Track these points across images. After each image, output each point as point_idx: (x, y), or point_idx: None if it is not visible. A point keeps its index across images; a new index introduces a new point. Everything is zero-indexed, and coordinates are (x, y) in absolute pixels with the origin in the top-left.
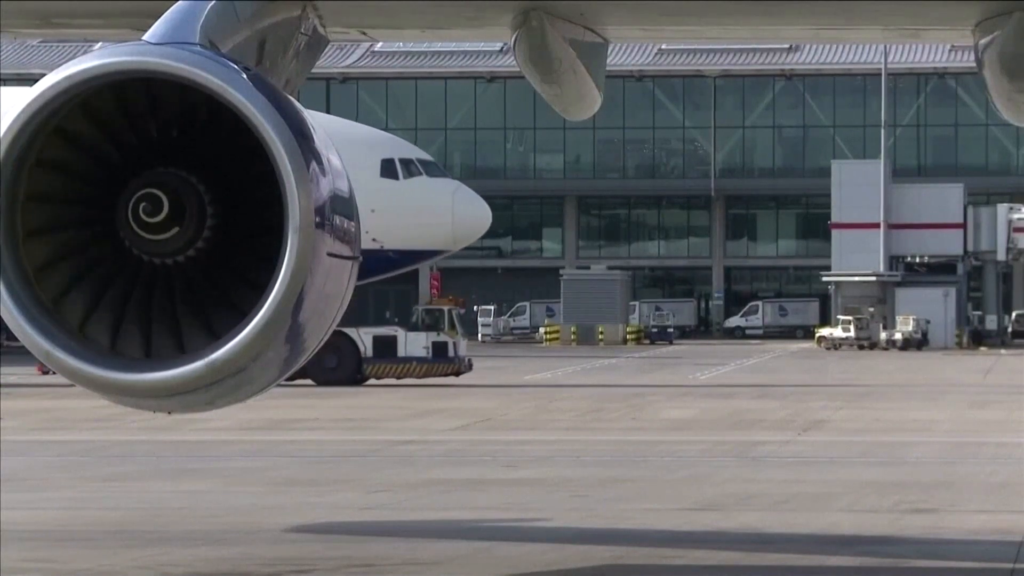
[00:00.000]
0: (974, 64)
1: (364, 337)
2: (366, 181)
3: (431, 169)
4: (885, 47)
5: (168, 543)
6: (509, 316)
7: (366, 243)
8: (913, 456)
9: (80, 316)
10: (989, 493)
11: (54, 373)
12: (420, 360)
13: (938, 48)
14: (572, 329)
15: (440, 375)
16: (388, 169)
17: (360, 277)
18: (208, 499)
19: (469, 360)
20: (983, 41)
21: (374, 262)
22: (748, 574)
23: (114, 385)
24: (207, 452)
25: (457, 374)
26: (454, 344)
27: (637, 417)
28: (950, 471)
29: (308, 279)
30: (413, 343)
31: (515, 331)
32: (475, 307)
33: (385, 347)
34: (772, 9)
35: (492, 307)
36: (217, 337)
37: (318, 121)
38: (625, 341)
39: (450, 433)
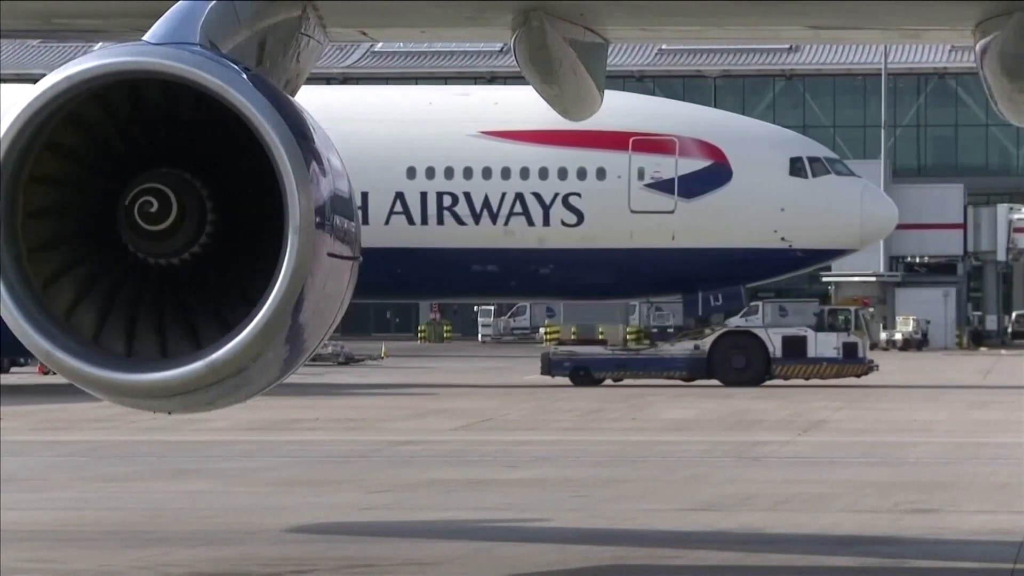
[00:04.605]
0: (974, 64)
1: (773, 337)
2: (775, 180)
3: (838, 167)
4: (885, 47)
5: (168, 543)
6: (509, 316)
7: (774, 242)
8: (913, 456)
9: (79, 317)
10: (989, 493)
11: (54, 373)
12: (831, 360)
13: (938, 48)
14: (572, 329)
15: (849, 376)
16: (797, 168)
17: (764, 276)
18: (208, 499)
19: (873, 361)
20: (983, 41)
21: (782, 261)
22: (748, 574)
23: (114, 385)
24: (207, 452)
25: (860, 375)
26: (862, 344)
27: (637, 417)
28: (950, 471)
29: (308, 279)
30: (823, 343)
31: (515, 331)
32: (475, 307)
33: (795, 347)
34: (772, 9)
35: (492, 307)
36: (217, 337)
37: (723, 120)
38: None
39: (450, 433)
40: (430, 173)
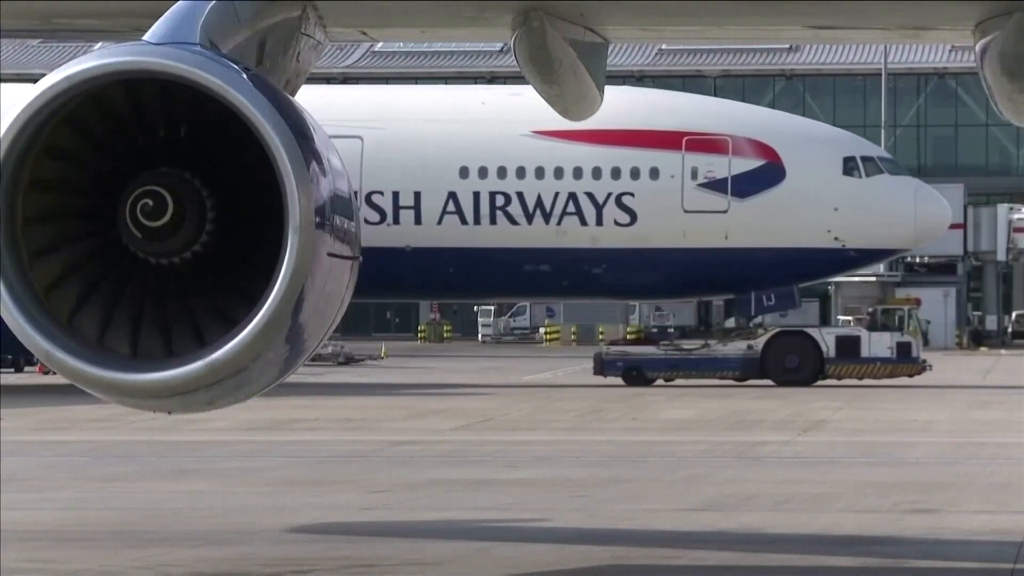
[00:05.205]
0: (974, 64)
1: (826, 337)
2: (828, 180)
3: (891, 167)
4: (885, 47)
5: (168, 543)
6: (509, 316)
7: (828, 242)
8: (913, 456)
9: (79, 317)
10: (989, 493)
11: (55, 373)
12: (884, 360)
13: (938, 48)
14: (572, 329)
15: (903, 375)
16: (850, 167)
17: (817, 276)
18: (208, 499)
19: (927, 361)
20: (983, 41)
21: (835, 261)
22: (748, 574)
23: (114, 385)
24: (207, 452)
25: (914, 375)
26: (916, 344)
27: (637, 417)
28: (950, 471)
29: (308, 279)
30: (877, 343)
31: (515, 331)
32: (475, 307)
33: (848, 347)
34: (772, 9)
35: (492, 307)
36: (217, 337)
37: (776, 120)
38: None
39: (450, 433)
40: (482, 173)
